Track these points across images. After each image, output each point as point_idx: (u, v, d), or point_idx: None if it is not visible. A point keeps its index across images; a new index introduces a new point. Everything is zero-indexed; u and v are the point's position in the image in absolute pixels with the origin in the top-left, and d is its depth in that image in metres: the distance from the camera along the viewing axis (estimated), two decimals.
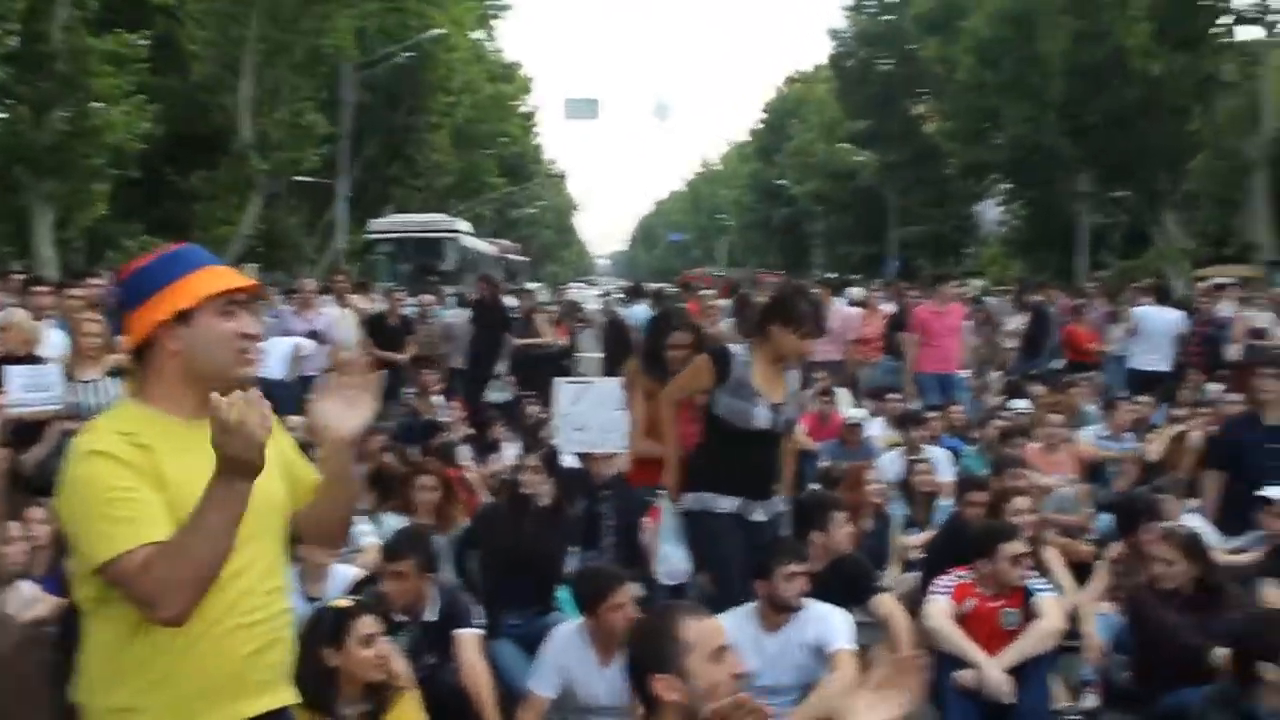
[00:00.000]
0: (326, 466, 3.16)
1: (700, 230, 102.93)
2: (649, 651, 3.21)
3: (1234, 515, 8.07)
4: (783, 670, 5.69)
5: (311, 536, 3.28)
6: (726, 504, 6.01)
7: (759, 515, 6.06)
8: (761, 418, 5.94)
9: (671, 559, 6.26)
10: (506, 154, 57.19)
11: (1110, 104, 33.70)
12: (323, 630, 4.93)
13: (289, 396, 11.82)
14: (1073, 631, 6.78)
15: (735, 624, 5.64)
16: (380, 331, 14.74)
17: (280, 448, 3.05)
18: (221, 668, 2.88)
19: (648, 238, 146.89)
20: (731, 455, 6.02)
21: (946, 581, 6.41)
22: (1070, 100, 34.70)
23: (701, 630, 3.20)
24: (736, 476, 6.03)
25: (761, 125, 77.35)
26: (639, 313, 17.67)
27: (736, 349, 6.16)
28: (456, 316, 16.10)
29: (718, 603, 5.71)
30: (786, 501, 6.39)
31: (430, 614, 5.89)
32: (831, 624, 5.67)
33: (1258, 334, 15.67)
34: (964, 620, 6.24)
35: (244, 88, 30.16)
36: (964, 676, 6.00)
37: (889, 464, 9.59)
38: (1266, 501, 7.46)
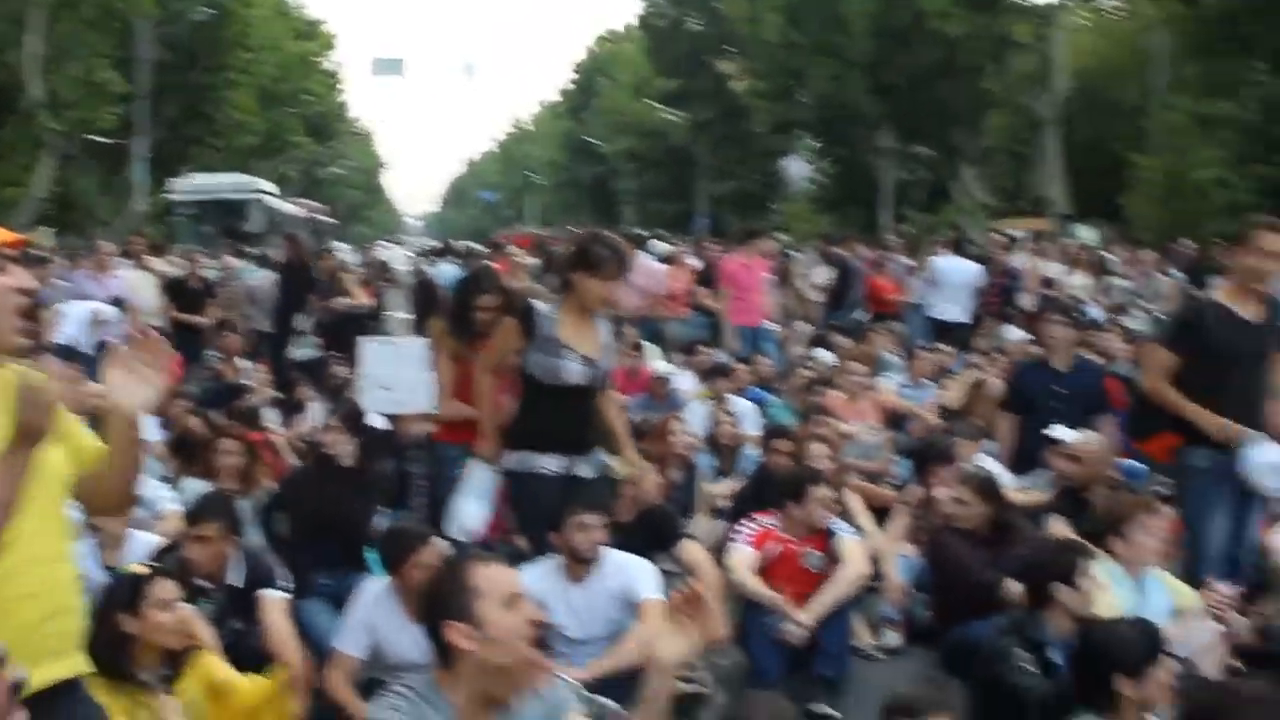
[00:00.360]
0: (112, 437, 3.08)
1: (512, 190, 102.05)
2: (441, 600, 3.18)
3: (1026, 456, 8.37)
4: (591, 621, 5.73)
5: (96, 505, 3.19)
6: (550, 463, 5.97)
7: (584, 471, 6.05)
8: (572, 372, 5.91)
9: (465, 514, 6.23)
10: (311, 113, 56.05)
11: (911, 63, 34.46)
12: (119, 596, 4.79)
13: (87, 362, 11.48)
14: (874, 573, 6.97)
15: (541, 577, 5.67)
16: (181, 295, 14.43)
17: (61, 416, 2.96)
18: (2, 637, 2.78)
19: (459, 198, 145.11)
20: (549, 412, 5.97)
21: (748, 528, 6.53)
22: (874, 60, 35.38)
23: (493, 577, 3.18)
24: (557, 434, 5.99)
25: (572, 84, 77.09)
26: (447, 272, 17.53)
27: (543, 305, 6.12)
28: (261, 279, 15.75)
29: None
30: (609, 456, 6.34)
31: (234, 579, 5.79)
32: (637, 574, 5.72)
33: (1048, 284, 16.28)
34: (769, 564, 6.37)
35: (31, 43, 28.94)
36: (790, 632, 6.09)
37: (696, 416, 9.70)
38: (1053, 442, 7.77)
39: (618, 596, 5.71)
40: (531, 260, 17.12)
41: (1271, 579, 6.44)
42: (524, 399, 6.12)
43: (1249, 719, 3.63)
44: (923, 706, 3.71)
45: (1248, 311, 6.38)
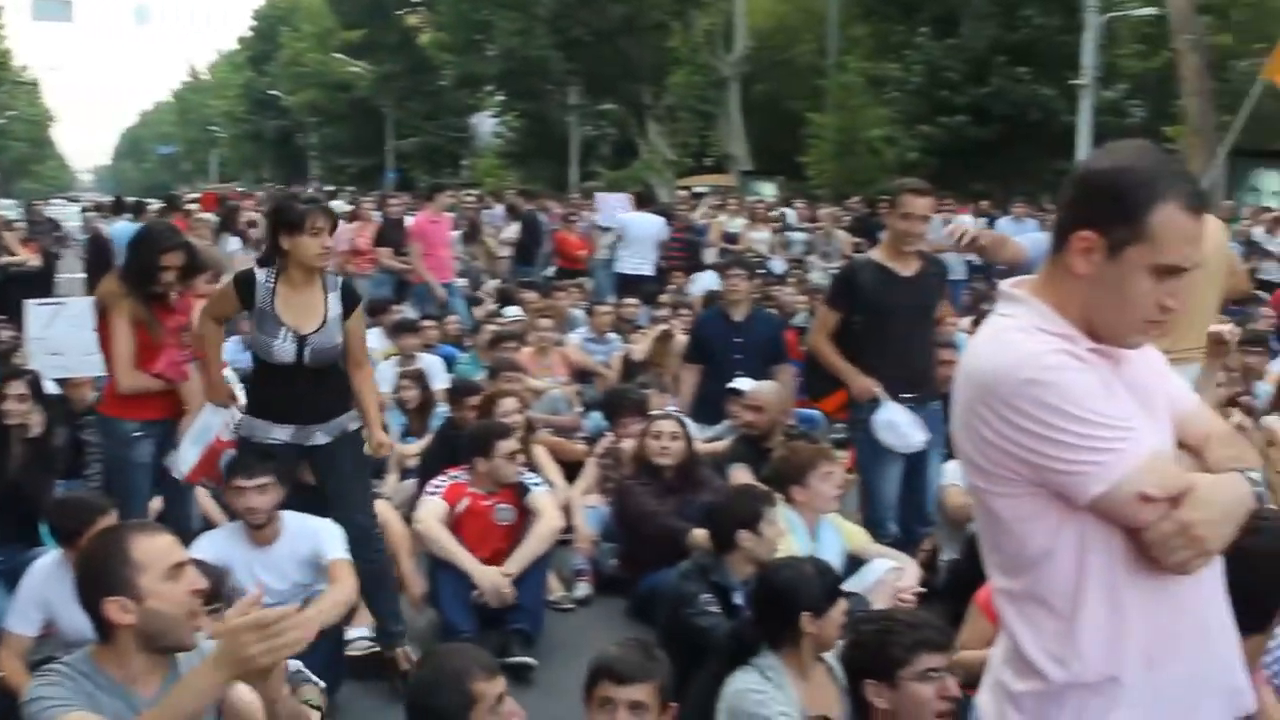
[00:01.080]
0: None
1: (191, 143, 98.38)
2: (98, 574, 3.06)
3: (709, 407, 8.62)
4: (279, 585, 5.63)
5: None
6: (279, 433, 5.73)
7: (320, 438, 5.77)
8: (283, 352, 5.61)
9: (179, 459, 6.04)
10: None
11: (597, 19, 34.77)
12: None
13: None
14: (565, 525, 7.06)
15: (223, 543, 5.57)
16: None
17: None
18: None
19: (134, 151, 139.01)
20: (274, 385, 5.72)
21: (438, 483, 6.53)
22: (559, 15, 35.54)
23: (153, 548, 3.08)
24: (283, 405, 5.73)
25: (252, 33, 74.69)
26: (123, 229, 16.78)
27: (261, 274, 5.83)
28: None
29: None
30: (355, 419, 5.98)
31: None
32: (323, 536, 5.63)
33: (730, 239, 16.80)
34: (459, 519, 6.39)
35: None
36: (491, 595, 6.11)
37: (385, 375, 9.59)
38: (736, 393, 8.03)
39: (306, 559, 5.62)
40: (211, 216, 16.57)
41: (942, 517, 6.83)
42: (255, 368, 5.93)
43: (905, 643, 3.88)
44: (630, 673, 3.71)
45: (905, 268, 6.69)
